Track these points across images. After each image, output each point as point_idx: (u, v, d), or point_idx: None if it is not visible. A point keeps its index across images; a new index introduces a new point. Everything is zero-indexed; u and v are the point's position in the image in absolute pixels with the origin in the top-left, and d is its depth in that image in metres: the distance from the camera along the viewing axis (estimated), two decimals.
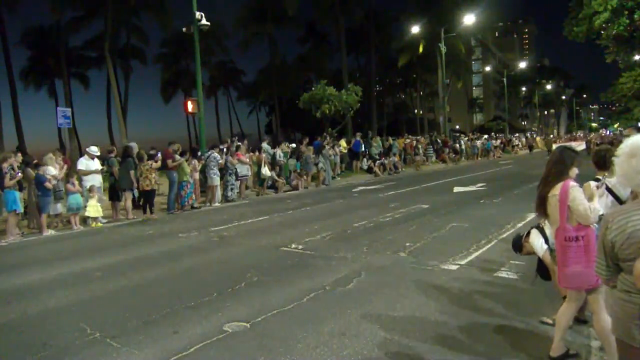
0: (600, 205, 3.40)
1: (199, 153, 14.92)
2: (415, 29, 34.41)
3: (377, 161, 22.31)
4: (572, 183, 3.30)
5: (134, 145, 13.26)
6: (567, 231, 3.27)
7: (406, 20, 37.49)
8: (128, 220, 11.57)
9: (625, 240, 2.01)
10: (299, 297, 5.08)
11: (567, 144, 4.01)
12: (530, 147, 43.04)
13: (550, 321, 4.12)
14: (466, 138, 36.42)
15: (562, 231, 3.29)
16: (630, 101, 35.33)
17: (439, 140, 30.95)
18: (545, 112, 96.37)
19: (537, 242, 4.06)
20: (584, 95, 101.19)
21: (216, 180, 13.68)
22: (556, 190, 3.33)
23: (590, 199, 3.37)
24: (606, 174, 3.77)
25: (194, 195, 13.06)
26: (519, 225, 8.53)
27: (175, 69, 43.84)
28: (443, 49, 33.20)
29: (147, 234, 9.79)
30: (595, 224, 3.23)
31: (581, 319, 4.01)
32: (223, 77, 49.15)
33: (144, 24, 40.42)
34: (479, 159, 32.64)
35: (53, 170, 10.39)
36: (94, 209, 10.99)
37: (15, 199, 9.63)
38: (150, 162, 12.03)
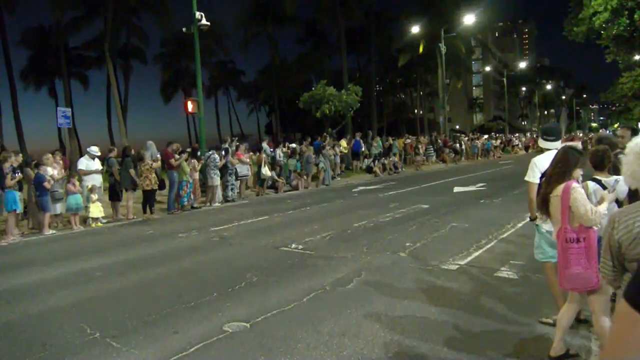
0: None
1: (199, 153, 14.92)
2: (415, 29, 34.38)
3: (377, 161, 22.30)
4: (574, 184, 3.29)
5: (151, 144, 13.25)
6: (568, 232, 3.25)
7: (406, 20, 37.44)
8: (128, 220, 11.57)
9: (633, 241, 2.00)
10: (298, 297, 5.08)
11: (566, 143, 3.94)
12: (527, 148, 42.84)
13: (550, 321, 4.12)
14: (466, 138, 36.39)
15: (563, 232, 3.28)
16: (631, 101, 35.33)
17: (439, 140, 30.94)
18: (545, 112, 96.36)
19: None
20: (584, 95, 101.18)
21: (216, 180, 13.68)
22: (558, 191, 3.31)
23: (599, 202, 3.35)
24: (617, 177, 3.73)
25: (192, 195, 13.06)
26: (519, 225, 8.53)
27: (175, 69, 43.83)
28: (443, 49, 33.17)
29: (147, 234, 9.79)
30: (597, 225, 3.21)
31: (581, 319, 4.01)
32: (223, 77, 49.18)
33: (144, 24, 40.53)
34: (479, 159, 32.62)
35: (51, 170, 10.39)
36: (97, 209, 11.01)
37: (15, 199, 9.63)
38: (149, 162, 12.04)
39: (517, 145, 44.29)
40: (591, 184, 3.68)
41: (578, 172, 3.39)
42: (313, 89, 24.63)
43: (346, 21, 37.49)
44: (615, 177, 3.66)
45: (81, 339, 4.26)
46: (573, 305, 3.45)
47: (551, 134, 4.25)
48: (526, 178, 4.19)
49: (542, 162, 4.03)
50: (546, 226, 3.98)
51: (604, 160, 3.78)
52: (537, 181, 4.02)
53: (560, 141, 4.27)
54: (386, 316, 4.47)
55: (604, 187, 3.62)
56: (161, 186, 12.64)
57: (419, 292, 5.12)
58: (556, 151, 4.02)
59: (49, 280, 6.41)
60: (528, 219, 4.21)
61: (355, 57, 48.22)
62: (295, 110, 34.97)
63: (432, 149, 28.92)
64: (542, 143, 4.27)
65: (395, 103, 60.48)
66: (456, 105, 65.94)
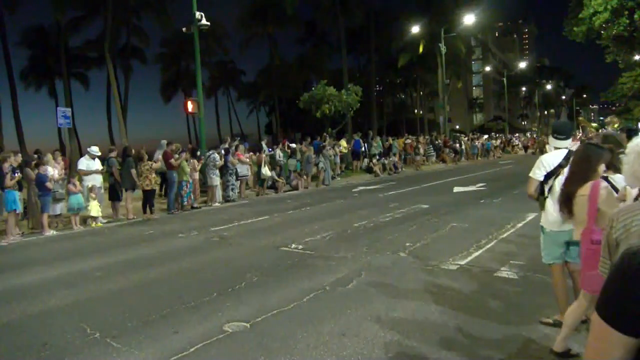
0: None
1: (198, 153, 14.92)
2: (415, 29, 34.39)
3: (377, 161, 22.30)
4: (603, 184, 3.17)
5: (165, 143, 13.23)
6: (594, 233, 3.15)
7: (406, 20, 37.44)
8: (128, 220, 11.57)
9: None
10: (299, 297, 5.08)
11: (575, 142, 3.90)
12: (526, 148, 42.54)
13: (550, 321, 4.11)
14: (466, 138, 36.39)
15: (589, 233, 3.18)
16: (630, 101, 35.34)
17: (439, 141, 30.92)
18: (545, 112, 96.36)
19: None
20: (584, 95, 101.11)
21: (216, 180, 13.68)
22: (585, 190, 3.18)
23: (621, 198, 3.29)
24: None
25: (192, 195, 13.05)
26: (519, 225, 8.53)
27: (175, 69, 43.80)
28: (443, 49, 33.17)
29: (147, 234, 9.79)
30: None
31: (584, 320, 3.99)
32: (223, 77, 49.13)
33: (144, 24, 40.44)
34: (479, 159, 32.62)
35: (51, 170, 10.39)
36: (95, 208, 11.01)
37: (14, 199, 9.63)
38: (149, 162, 12.06)
39: (517, 145, 44.26)
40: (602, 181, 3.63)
41: (602, 168, 3.26)
42: (313, 89, 24.61)
43: (346, 21, 37.46)
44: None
45: (81, 339, 4.26)
46: (583, 304, 3.36)
47: (562, 133, 4.13)
48: (530, 174, 4.10)
49: (549, 161, 3.97)
50: (551, 226, 3.96)
51: (612, 159, 3.73)
52: (540, 179, 3.99)
53: (571, 139, 4.21)
54: (386, 316, 4.47)
55: (612, 185, 3.59)
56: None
57: (419, 292, 5.12)
58: (567, 149, 3.99)
59: (49, 280, 6.41)
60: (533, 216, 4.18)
61: (355, 57, 48.26)
62: (295, 110, 34.97)
63: (432, 149, 28.91)
64: (552, 142, 4.15)
65: (395, 103, 60.47)
66: (456, 105, 65.93)
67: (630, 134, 6.00)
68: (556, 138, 4.13)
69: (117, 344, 4.10)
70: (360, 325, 4.26)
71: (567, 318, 3.44)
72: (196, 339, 4.10)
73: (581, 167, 3.27)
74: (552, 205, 3.91)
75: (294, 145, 19.84)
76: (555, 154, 4.02)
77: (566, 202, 3.34)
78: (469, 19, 33.06)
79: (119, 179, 11.71)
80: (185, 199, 12.67)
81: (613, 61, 28.09)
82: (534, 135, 53.69)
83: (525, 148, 42.40)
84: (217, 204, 13.62)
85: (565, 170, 3.86)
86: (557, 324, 4.07)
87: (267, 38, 41.87)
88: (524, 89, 77.91)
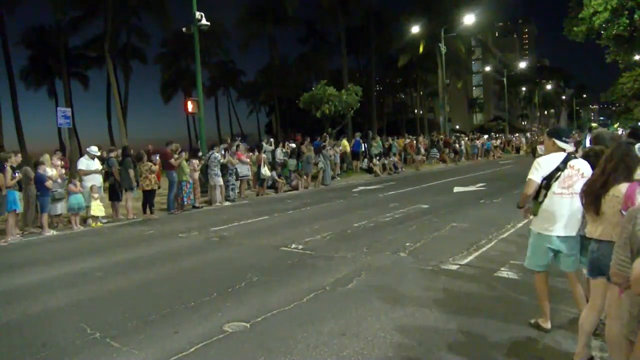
0: None
1: (199, 153, 14.91)
2: (415, 29, 34.39)
3: (378, 161, 22.30)
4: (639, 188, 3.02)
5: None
6: None
7: (406, 20, 37.44)
8: (128, 220, 11.57)
9: None
10: (299, 297, 5.08)
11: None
12: (518, 149, 41.98)
13: (532, 321, 4.11)
14: (466, 138, 36.35)
15: None
16: (630, 101, 35.37)
17: (440, 142, 30.88)
18: (545, 112, 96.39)
19: None
20: (584, 95, 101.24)
21: (219, 180, 13.65)
22: (617, 191, 3.03)
23: None
24: None
25: (192, 195, 13.04)
26: (519, 225, 8.52)
27: (175, 69, 43.83)
28: (443, 49, 33.17)
29: (147, 234, 9.79)
30: None
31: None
32: (223, 77, 49.14)
33: (144, 24, 40.48)
34: (479, 159, 32.60)
35: (49, 170, 10.39)
36: (98, 208, 11.02)
37: (15, 199, 9.63)
38: (149, 162, 12.06)
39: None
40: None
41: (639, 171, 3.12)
42: (313, 89, 24.61)
43: (346, 21, 37.47)
44: None
45: (81, 339, 4.26)
46: (597, 308, 3.29)
47: (568, 136, 4.19)
48: (530, 176, 4.00)
49: (544, 164, 3.94)
50: (539, 229, 3.96)
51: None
52: (539, 181, 3.97)
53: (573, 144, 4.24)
54: (386, 316, 4.47)
55: None
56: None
57: (419, 292, 5.13)
58: (565, 153, 3.95)
59: (49, 280, 6.41)
60: (517, 207, 4.15)
61: (355, 57, 48.22)
62: (295, 110, 34.96)
63: (435, 151, 28.82)
64: (561, 144, 4.07)
65: (395, 103, 60.49)
66: (456, 105, 65.94)
67: (637, 135, 5.88)
68: (565, 141, 4.10)
69: (117, 344, 4.10)
70: (360, 325, 4.26)
71: (582, 325, 3.35)
72: (196, 339, 4.10)
73: (613, 166, 3.11)
74: (547, 209, 3.91)
75: (293, 145, 19.86)
76: (551, 157, 3.98)
77: (595, 202, 3.18)
78: (469, 19, 33.05)
79: (119, 179, 11.71)
80: (184, 199, 12.66)
81: (613, 61, 28.07)
82: (535, 136, 53.58)
83: (517, 149, 42.09)
84: (217, 204, 13.59)
85: (573, 172, 3.83)
86: (535, 326, 4.06)
87: (267, 38, 41.92)
88: (524, 89, 77.92)
